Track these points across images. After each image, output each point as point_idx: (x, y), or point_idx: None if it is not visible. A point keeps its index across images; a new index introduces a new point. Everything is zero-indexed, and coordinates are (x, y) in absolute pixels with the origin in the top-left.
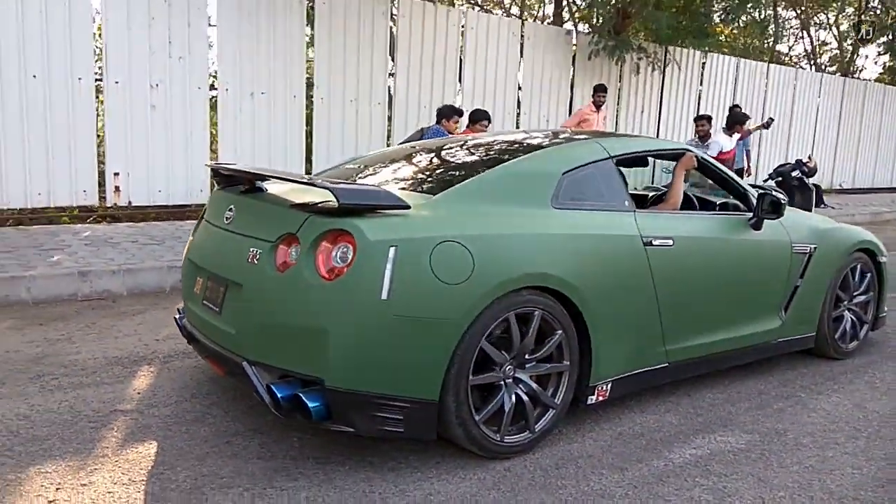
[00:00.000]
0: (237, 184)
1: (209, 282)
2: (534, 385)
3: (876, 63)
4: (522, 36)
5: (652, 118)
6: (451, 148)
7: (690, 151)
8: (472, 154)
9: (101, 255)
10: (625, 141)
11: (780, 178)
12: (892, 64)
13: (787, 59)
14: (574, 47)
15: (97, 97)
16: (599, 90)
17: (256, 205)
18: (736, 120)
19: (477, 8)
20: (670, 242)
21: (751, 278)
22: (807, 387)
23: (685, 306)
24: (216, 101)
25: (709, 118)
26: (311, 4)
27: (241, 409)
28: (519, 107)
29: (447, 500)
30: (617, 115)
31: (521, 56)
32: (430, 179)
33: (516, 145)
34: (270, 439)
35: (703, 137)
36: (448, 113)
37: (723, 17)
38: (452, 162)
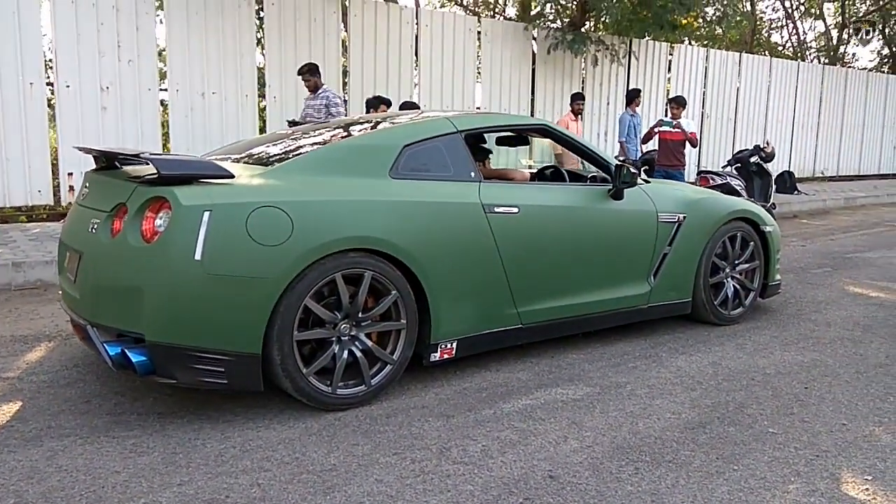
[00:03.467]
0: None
1: (70, 255)
2: (369, 342)
3: (873, 52)
4: (479, 32)
5: (618, 110)
6: (320, 129)
7: (546, 126)
8: (334, 133)
9: (41, 248)
10: (476, 117)
11: (738, 165)
12: (888, 52)
13: (781, 50)
14: (534, 42)
15: (48, 101)
16: (577, 98)
17: (103, 181)
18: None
19: (432, 5)
20: (515, 210)
21: (611, 245)
22: (674, 348)
23: (536, 271)
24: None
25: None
26: (259, 6)
27: (114, 377)
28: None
29: (265, 444)
30: (582, 108)
31: (479, 52)
32: (279, 154)
33: (377, 124)
34: (127, 399)
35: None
36: (375, 103)
37: (677, 8)
38: (311, 140)
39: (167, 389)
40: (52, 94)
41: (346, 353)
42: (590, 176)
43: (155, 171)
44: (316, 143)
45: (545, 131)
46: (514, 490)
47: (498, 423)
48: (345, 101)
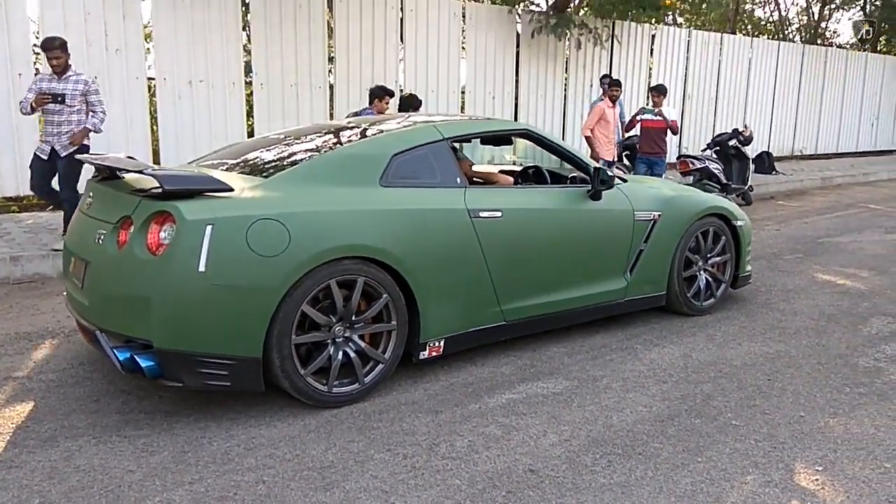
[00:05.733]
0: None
1: (76, 261)
2: (362, 343)
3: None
4: (464, 16)
5: (600, 92)
6: (312, 134)
7: (528, 130)
8: (326, 140)
9: (37, 241)
10: (462, 124)
11: (717, 148)
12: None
13: (764, 24)
14: (518, 25)
15: None
16: (615, 84)
17: (107, 192)
18: (614, 84)
19: None
20: (499, 214)
21: (590, 244)
22: (649, 340)
23: (518, 271)
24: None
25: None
26: None
27: (120, 375)
28: (464, 87)
29: (268, 442)
30: (566, 90)
31: (464, 36)
32: (273, 164)
33: (367, 131)
34: (134, 398)
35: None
36: (380, 94)
37: None
38: (304, 147)
39: (172, 388)
40: None
41: (340, 353)
42: (570, 176)
43: (158, 186)
44: (309, 151)
45: (527, 135)
46: (497, 484)
47: (483, 418)
48: (330, 87)
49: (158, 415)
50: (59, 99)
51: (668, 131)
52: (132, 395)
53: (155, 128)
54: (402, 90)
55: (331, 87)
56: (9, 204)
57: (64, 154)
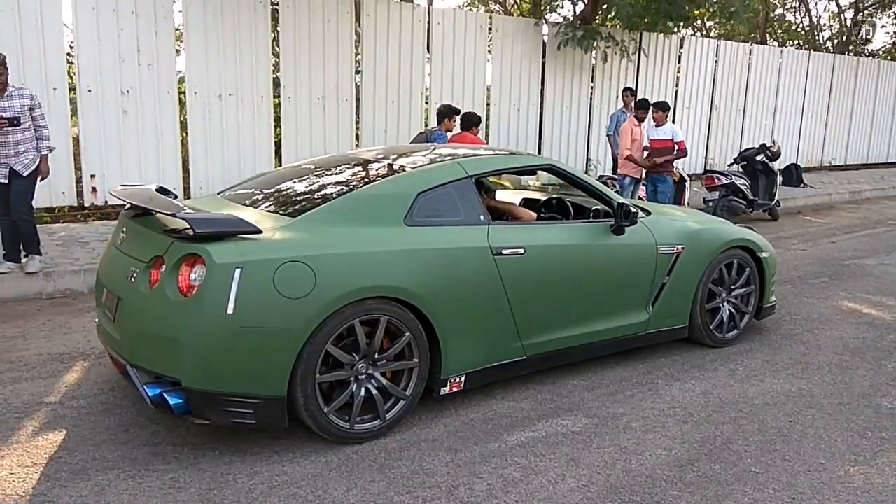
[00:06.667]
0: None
1: (108, 294)
2: (384, 380)
3: (888, 34)
4: (490, 29)
5: (622, 104)
6: (340, 166)
7: (552, 165)
8: (353, 174)
9: (68, 255)
10: (486, 161)
11: (745, 163)
12: None
13: (795, 30)
14: (544, 37)
15: (71, 105)
16: (641, 107)
17: (140, 229)
18: (640, 107)
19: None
20: (521, 251)
21: (612, 278)
22: (670, 374)
23: (540, 307)
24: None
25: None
26: (274, 6)
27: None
28: (489, 99)
29: (290, 480)
30: (591, 102)
31: (490, 48)
32: (301, 200)
33: (392, 166)
34: (162, 428)
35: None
36: (448, 113)
37: (687, 5)
38: (331, 181)
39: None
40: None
41: (363, 390)
42: (593, 208)
43: (190, 228)
44: (336, 185)
45: (552, 170)
46: None
47: (502, 458)
48: (357, 99)
49: (186, 448)
50: (16, 122)
51: (677, 152)
52: (161, 424)
53: (185, 134)
54: (427, 102)
55: (357, 99)
56: (41, 214)
57: (26, 173)
